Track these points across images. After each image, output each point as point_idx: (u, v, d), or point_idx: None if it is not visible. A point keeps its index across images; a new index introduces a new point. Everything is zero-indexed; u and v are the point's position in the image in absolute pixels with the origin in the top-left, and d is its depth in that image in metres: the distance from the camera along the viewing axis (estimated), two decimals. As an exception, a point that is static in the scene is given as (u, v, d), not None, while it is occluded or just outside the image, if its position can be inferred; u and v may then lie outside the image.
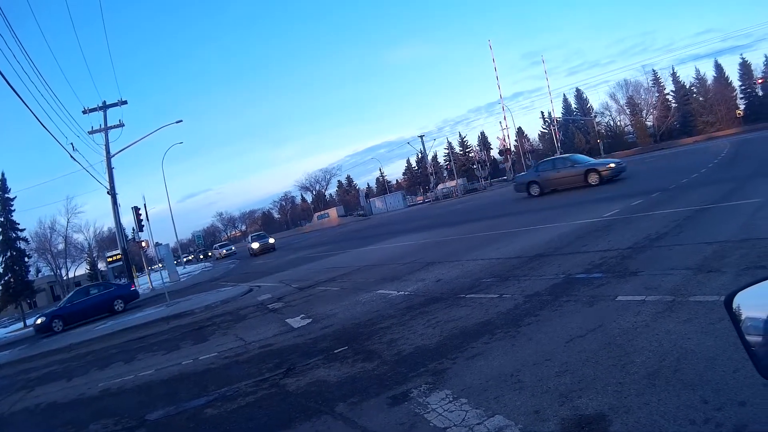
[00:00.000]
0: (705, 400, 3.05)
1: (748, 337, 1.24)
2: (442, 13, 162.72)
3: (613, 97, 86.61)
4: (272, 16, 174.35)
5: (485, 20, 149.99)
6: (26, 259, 33.48)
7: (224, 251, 65.28)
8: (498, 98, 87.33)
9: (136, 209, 25.44)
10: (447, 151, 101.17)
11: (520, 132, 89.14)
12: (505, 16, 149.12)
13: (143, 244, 27.96)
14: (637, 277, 6.23)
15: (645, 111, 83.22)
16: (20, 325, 30.08)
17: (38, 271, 52.90)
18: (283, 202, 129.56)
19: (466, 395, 4.05)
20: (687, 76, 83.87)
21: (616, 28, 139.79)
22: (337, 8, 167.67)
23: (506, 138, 69.53)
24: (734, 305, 1.28)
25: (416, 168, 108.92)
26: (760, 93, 75.14)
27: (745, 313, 1.27)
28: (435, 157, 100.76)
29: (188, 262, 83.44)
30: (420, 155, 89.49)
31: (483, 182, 72.49)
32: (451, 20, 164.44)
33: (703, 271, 5.74)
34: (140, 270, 47.93)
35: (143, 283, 36.90)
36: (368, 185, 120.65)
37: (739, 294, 1.29)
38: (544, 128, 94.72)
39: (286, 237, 79.76)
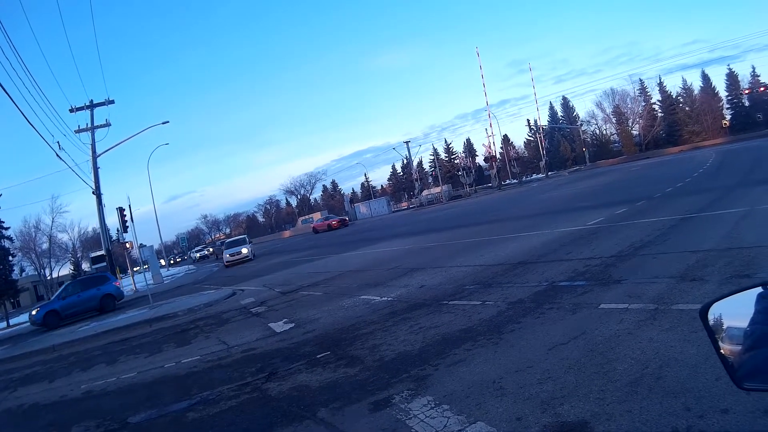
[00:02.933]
0: (687, 407, 3.05)
1: (722, 348, 1.24)
2: (429, 20, 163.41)
3: (599, 105, 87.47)
4: (259, 20, 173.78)
5: (473, 27, 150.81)
6: (10, 258, 32.95)
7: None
8: (485, 105, 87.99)
9: (120, 210, 25.25)
10: (432, 158, 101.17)
11: (505, 139, 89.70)
12: (492, 24, 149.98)
13: (127, 245, 27.69)
14: (620, 285, 6.26)
15: (631, 120, 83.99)
16: (3, 324, 29.61)
17: (22, 270, 52.33)
18: (268, 206, 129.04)
19: (448, 401, 4.03)
20: (674, 86, 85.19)
21: (604, 37, 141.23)
22: (324, 13, 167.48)
23: (492, 145, 69.79)
24: (710, 316, 1.28)
25: (401, 174, 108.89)
26: (747, 103, 76.09)
27: (720, 324, 1.27)
28: (420, 163, 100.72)
29: (203, 259, 69.84)
30: (405, 161, 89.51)
31: (468, 189, 72.59)
32: (439, 27, 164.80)
33: (686, 280, 5.77)
34: (124, 271, 47.42)
35: (127, 285, 36.55)
36: (353, 190, 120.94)
37: (715, 305, 1.29)
38: (529, 136, 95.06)
39: (270, 241, 79.37)
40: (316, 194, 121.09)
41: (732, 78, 78.37)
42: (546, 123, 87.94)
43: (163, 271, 48.24)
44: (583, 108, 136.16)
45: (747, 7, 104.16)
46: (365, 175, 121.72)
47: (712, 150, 44.92)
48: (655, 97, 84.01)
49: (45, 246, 46.10)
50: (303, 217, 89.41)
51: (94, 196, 29.46)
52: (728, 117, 76.93)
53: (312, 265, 19.86)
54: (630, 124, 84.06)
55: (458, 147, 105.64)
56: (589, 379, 3.79)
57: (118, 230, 27.92)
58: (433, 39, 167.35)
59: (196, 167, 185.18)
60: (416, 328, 6.59)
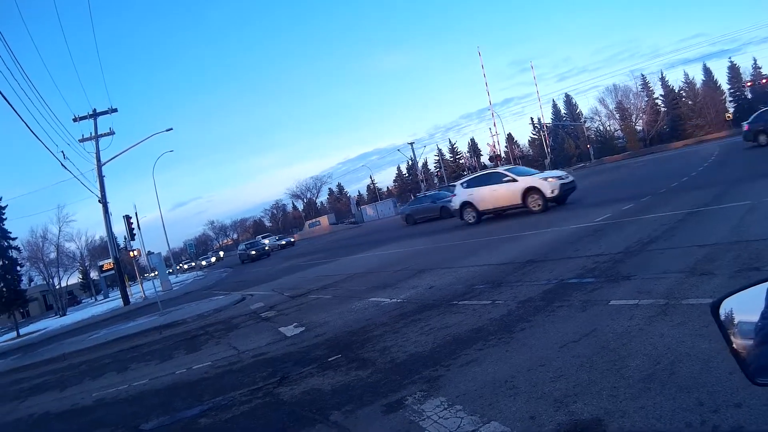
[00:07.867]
0: (701, 402, 3.05)
1: (735, 343, 1.25)
2: (432, 20, 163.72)
3: (602, 102, 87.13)
4: (262, 23, 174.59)
5: (475, 27, 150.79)
6: (18, 268, 33.04)
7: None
8: (488, 105, 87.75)
9: (127, 218, 25.30)
10: (437, 158, 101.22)
11: (510, 138, 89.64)
12: (494, 23, 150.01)
13: (135, 252, 27.77)
14: (629, 281, 6.25)
15: (634, 115, 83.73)
16: (13, 334, 29.72)
17: (30, 280, 52.40)
18: (275, 210, 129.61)
19: (461, 402, 4.04)
20: (676, 80, 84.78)
21: (605, 34, 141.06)
22: (328, 15, 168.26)
23: (496, 144, 69.72)
24: (721, 311, 1.29)
25: (407, 175, 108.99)
26: (749, 96, 75.79)
27: (732, 319, 1.28)
28: (425, 164, 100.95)
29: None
30: (410, 162, 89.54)
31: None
32: (441, 27, 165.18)
33: (695, 274, 5.76)
34: (133, 279, 47.56)
35: (136, 292, 36.65)
36: (359, 193, 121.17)
37: (726, 300, 1.29)
38: (534, 134, 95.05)
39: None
40: (323, 198, 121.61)
41: (734, 71, 78.30)
42: (549, 121, 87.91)
43: (172, 278, 48.41)
44: (586, 105, 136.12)
45: (746, 0, 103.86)
46: (371, 177, 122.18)
47: (716, 143, 44.71)
48: (658, 92, 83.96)
49: (53, 255, 46.05)
50: (310, 221, 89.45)
51: (101, 205, 29.60)
52: (731, 110, 76.59)
53: (320, 269, 19.87)
54: (633, 120, 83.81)
55: (463, 147, 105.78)
56: (602, 376, 3.80)
57: (125, 238, 27.92)
58: (435, 39, 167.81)
59: (202, 173, 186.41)
60: (427, 329, 6.59)
